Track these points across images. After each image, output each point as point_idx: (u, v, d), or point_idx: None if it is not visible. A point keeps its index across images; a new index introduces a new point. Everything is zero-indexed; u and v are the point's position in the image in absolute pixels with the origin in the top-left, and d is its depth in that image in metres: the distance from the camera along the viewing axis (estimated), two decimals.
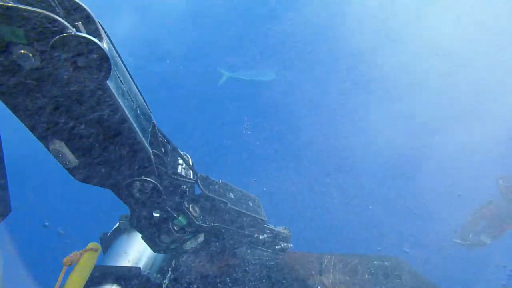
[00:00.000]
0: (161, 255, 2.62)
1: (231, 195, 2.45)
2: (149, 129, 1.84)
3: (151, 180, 1.78)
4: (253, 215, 2.51)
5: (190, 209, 2.15)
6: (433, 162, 12.02)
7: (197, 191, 2.30)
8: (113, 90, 1.37)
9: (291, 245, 3.00)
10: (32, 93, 1.26)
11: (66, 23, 1.14)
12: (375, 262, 3.31)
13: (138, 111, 1.69)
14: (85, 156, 1.53)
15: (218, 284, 2.51)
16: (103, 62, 1.20)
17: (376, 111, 13.23)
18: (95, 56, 1.17)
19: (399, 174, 11.95)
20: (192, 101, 14.82)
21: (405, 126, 12.44)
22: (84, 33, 1.22)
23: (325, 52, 14.73)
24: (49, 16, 1.11)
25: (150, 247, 2.21)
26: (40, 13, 1.09)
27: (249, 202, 2.62)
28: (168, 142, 2.16)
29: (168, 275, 2.47)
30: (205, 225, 2.20)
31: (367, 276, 3.10)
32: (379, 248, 9.94)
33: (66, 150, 1.46)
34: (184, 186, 2.18)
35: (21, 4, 1.10)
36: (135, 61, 14.21)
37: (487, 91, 12.18)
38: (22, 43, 1.12)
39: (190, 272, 2.50)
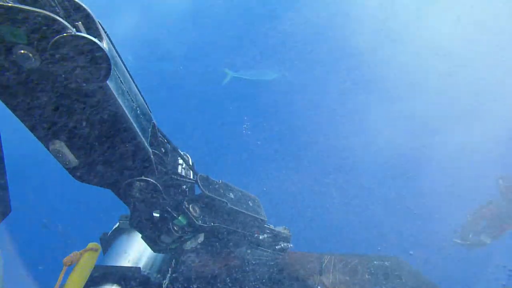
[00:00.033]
0: (161, 255, 2.62)
1: (231, 195, 2.45)
2: (149, 129, 1.84)
3: (151, 180, 1.78)
4: (253, 215, 2.51)
5: (190, 209, 2.15)
6: (433, 162, 12.02)
7: (197, 191, 2.30)
8: (113, 90, 1.37)
9: (291, 245, 3.00)
10: (32, 93, 1.26)
11: (66, 23, 1.14)
12: (375, 262, 3.31)
13: (138, 111, 1.69)
14: (85, 156, 1.52)
15: (218, 284, 2.51)
16: (103, 62, 1.20)
17: (376, 111, 13.23)
18: (95, 56, 1.17)
19: (399, 174, 11.96)
20: (192, 101, 14.83)
21: (405, 126, 12.44)
22: (84, 33, 1.22)
23: (326, 52, 14.73)
24: (49, 16, 1.11)
25: (150, 247, 2.21)
26: (40, 13, 1.09)
27: (249, 202, 2.62)
28: (168, 142, 2.16)
29: (168, 275, 2.48)
30: (205, 225, 2.20)
31: (367, 276, 3.10)
32: (379, 248, 9.94)
33: (66, 150, 1.46)
34: (184, 186, 2.18)
35: (21, 4, 1.10)
36: (135, 61, 14.22)
37: (487, 91, 12.18)
38: (22, 43, 1.12)
39: (190, 272, 2.50)
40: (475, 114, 12.06)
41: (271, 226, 2.91)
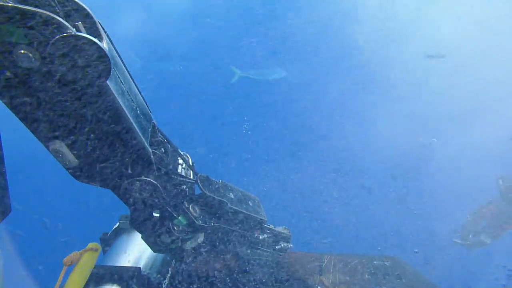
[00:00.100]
0: (161, 255, 2.62)
1: (231, 195, 2.45)
2: (149, 129, 1.84)
3: (151, 180, 1.78)
4: (253, 215, 2.51)
5: (190, 209, 2.14)
6: (433, 162, 12.03)
7: (197, 191, 2.30)
8: (113, 90, 1.37)
9: (291, 245, 3.00)
10: (32, 93, 1.26)
11: (66, 23, 1.14)
12: (375, 262, 3.31)
13: (138, 111, 1.69)
14: (85, 156, 1.53)
15: (218, 284, 2.51)
16: (103, 62, 1.20)
17: (376, 111, 13.24)
18: (95, 56, 1.17)
19: (399, 174, 11.96)
20: (193, 101, 14.83)
21: (405, 127, 12.45)
22: (84, 33, 1.22)
23: (327, 52, 14.74)
24: (49, 16, 1.11)
25: (150, 247, 2.21)
26: (40, 13, 1.09)
27: (249, 202, 2.62)
28: (168, 142, 2.16)
29: (168, 275, 2.47)
30: (205, 225, 2.20)
31: (367, 276, 3.10)
32: (379, 248, 9.95)
33: (66, 150, 1.46)
34: (184, 186, 2.18)
35: (21, 4, 1.10)
36: (140, 61, 14.24)
37: (486, 91, 12.18)
38: (22, 43, 1.12)
39: (190, 272, 2.50)
40: (475, 114, 12.07)
41: (271, 226, 2.90)
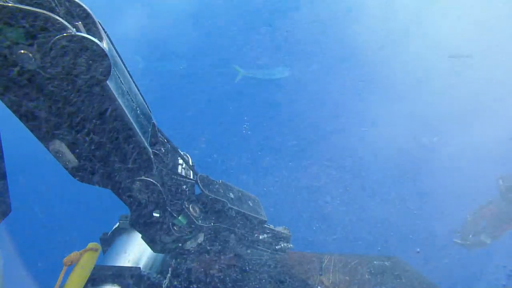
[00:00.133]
0: (161, 255, 2.62)
1: (231, 195, 2.45)
2: (149, 129, 1.84)
3: (151, 180, 1.79)
4: (253, 215, 2.51)
5: (190, 209, 2.15)
6: (433, 162, 12.03)
7: (197, 191, 2.30)
8: (113, 90, 1.37)
9: (291, 245, 3.00)
10: (32, 93, 1.26)
11: (66, 23, 1.14)
12: (375, 262, 3.31)
13: (138, 111, 1.69)
14: (85, 156, 1.53)
15: (218, 284, 2.51)
16: (103, 62, 1.20)
17: (375, 110, 13.23)
18: (95, 56, 1.18)
19: (399, 174, 11.96)
20: (195, 101, 14.83)
21: (405, 126, 12.45)
22: (84, 33, 1.22)
23: (330, 51, 14.72)
24: (49, 16, 1.11)
25: (150, 247, 2.21)
26: (40, 13, 1.09)
27: (249, 202, 2.62)
28: (168, 142, 2.16)
29: (168, 275, 2.48)
30: (205, 225, 2.20)
31: (367, 276, 3.10)
32: (379, 248, 9.95)
33: (66, 150, 1.46)
34: (184, 186, 2.18)
35: (21, 4, 1.10)
36: (143, 61, 14.23)
37: (486, 90, 12.18)
38: (22, 43, 1.12)
39: (190, 272, 2.50)
40: (475, 114, 12.07)
41: (271, 226, 2.90)
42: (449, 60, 13.01)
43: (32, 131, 1.39)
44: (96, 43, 1.16)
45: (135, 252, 2.55)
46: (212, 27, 16.17)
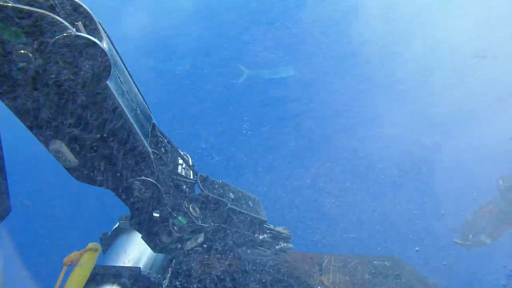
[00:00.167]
0: (161, 255, 2.62)
1: (231, 195, 2.45)
2: (149, 129, 1.84)
3: (151, 180, 1.78)
4: (253, 215, 2.51)
5: (190, 209, 2.15)
6: (434, 162, 12.03)
7: (197, 191, 2.30)
8: (113, 90, 1.37)
9: (291, 245, 3.00)
10: (32, 93, 1.26)
11: (66, 23, 1.14)
12: (375, 262, 3.31)
13: (138, 111, 1.69)
14: (85, 156, 1.53)
15: (218, 284, 2.51)
16: (103, 62, 1.20)
17: (377, 111, 13.23)
18: (95, 56, 1.18)
19: (400, 174, 11.96)
20: (193, 101, 14.82)
21: (405, 127, 12.45)
22: (84, 33, 1.22)
23: (333, 50, 14.70)
24: (49, 16, 1.11)
25: (150, 247, 2.21)
26: (40, 13, 1.09)
27: (249, 202, 2.62)
28: (168, 142, 2.16)
29: (168, 275, 2.47)
30: (205, 225, 2.20)
31: (367, 276, 3.10)
32: (379, 248, 9.95)
33: (66, 150, 1.46)
34: (184, 186, 2.18)
35: (21, 4, 1.10)
36: (144, 61, 14.21)
37: (487, 91, 12.19)
38: (22, 43, 1.12)
39: (190, 272, 2.50)
40: (475, 114, 12.07)
41: (271, 226, 2.90)
42: (450, 60, 13.01)
43: (32, 131, 1.39)
44: (96, 43, 1.16)
45: (135, 252, 2.55)
46: (212, 28, 16.16)
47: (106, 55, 1.19)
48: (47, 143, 1.43)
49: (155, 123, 1.96)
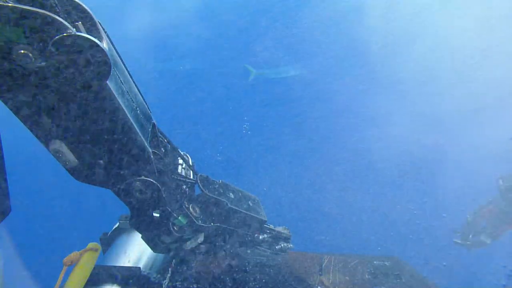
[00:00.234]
0: (161, 255, 2.62)
1: (231, 195, 2.45)
2: (149, 129, 1.84)
3: (151, 180, 1.78)
4: (253, 215, 2.51)
5: (190, 209, 2.14)
6: (433, 162, 12.03)
7: (197, 191, 2.30)
8: (113, 90, 1.37)
9: (291, 245, 3.00)
10: (32, 93, 1.26)
11: (66, 23, 1.14)
12: (375, 262, 3.31)
13: (138, 111, 1.69)
14: (85, 156, 1.53)
15: (218, 284, 2.51)
16: (103, 62, 1.20)
17: (379, 111, 13.23)
18: (95, 56, 1.18)
19: (400, 174, 11.96)
20: (193, 101, 14.82)
21: (405, 127, 12.45)
22: (84, 33, 1.22)
23: (332, 51, 14.70)
24: (49, 16, 1.11)
25: (150, 247, 2.21)
26: (40, 13, 1.09)
27: (249, 202, 2.62)
28: (168, 142, 2.16)
29: (168, 275, 2.47)
30: (205, 225, 2.20)
31: (367, 276, 3.10)
32: (379, 248, 9.96)
33: (66, 150, 1.46)
34: (184, 186, 2.18)
35: (21, 4, 1.10)
36: (145, 61, 14.18)
37: (487, 91, 12.19)
38: (22, 43, 1.12)
39: (190, 272, 2.50)
40: (475, 114, 12.07)
41: (271, 226, 2.90)
42: (450, 60, 13.01)
43: (32, 131, 1.39)
44: (96, 43, 1.16)
45: (135, 252, 2.55)
46: (212, 27, 16.15)
47: (106, 55, 1.19)
48: (47, 143, 1.43)
49: (155, 123, 1.96)
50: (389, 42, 14.07)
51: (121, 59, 1.63)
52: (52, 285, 1.76)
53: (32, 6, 1.12)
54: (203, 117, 14.47)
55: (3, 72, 1.18)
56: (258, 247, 2.75)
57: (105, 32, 1.49)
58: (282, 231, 2.98)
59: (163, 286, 2.38)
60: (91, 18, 1.41)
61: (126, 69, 1.68)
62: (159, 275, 2.47)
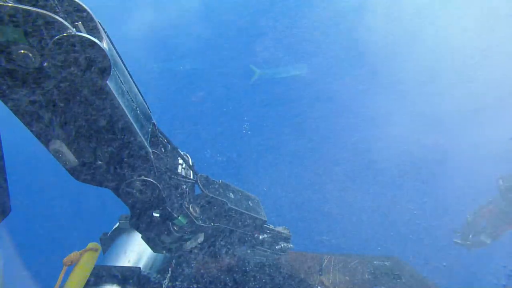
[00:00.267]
0: (161, 255, 2.62)
1: (231, 195, 2.45)
2: (149, 129, 1.84)
3: (151, 180, 1.78)
4: (253, 215, 2.51)
5: (190, 209, 2.14)
6: (434, 162, 12.03)
7: (197, 191, 2.30)
8: (113, 90, 1.37)
9: (291, 245, 3.00)
10: (32, 93, 1.26)
11: (66, 23, 1.14)
12: (375, 262, 3.31)
13: (138, 111, 1.69)
14: (85, 156, 1.53)
15: (218, 284, 2.51)
16: (103, 62, 1.20)
17: (379, 111, 13.23)
18: (95, 56, 1.18)
19: (400, 174, 11.96)
20: (193, 101, 14.82)
21: (405, 127, 12.45)
22: (84, 33, 1.22)
23: (332, 51, 14.69)
24: (49, 16, 1.11)
25: (150, 247, 2.21)
26: (40, 13, 1.09)
27: (249, 202, 2.62)
28: (168, 142, 2.16)
29: (168, 275, 2.48)
30: (205, 225, 2.20)
31: (367, 276, 3.10)
32: (379, 248, 9.95)
33: (66, 150, 1.46)
34: (184, 186, 2.18)
35: (21, 4, 1.10)
36: (146, 61, 14.17)
37: (487, 91, 12.18)
38: (22, 43, 1.12)
39: (190, 272, 2.50)
40: (475, 114, 12.07)
41: (271, 226, 2.90)
42: (450, 60, 13.02)
43: (32, 131, 1.39)
44: (96, 43, 1.16)
45: (135, 252, 2.55)
46: (212, 27, 16.15)
47: (106, 55, 1.19)
48: (47, 143, 1.43)
49: (155, 123, 1.96)
50: (389, 42, 14.06)
51: (121, 59, 1.63)
52: (52, 285, 1.76)
53: (32, 6, 1.12)
54: (203, 117, 14.46)
55: (3, 72, 1.18)
56: (258, 247, 2.75)
57: (105, 32, 1.49)
58: (282, 231, 2.98)
59: (163, 286, 2.38)
60: (91, 18, 1.41)
61: (126, 69, 1.68)
62: (159, 275, 2.47)
